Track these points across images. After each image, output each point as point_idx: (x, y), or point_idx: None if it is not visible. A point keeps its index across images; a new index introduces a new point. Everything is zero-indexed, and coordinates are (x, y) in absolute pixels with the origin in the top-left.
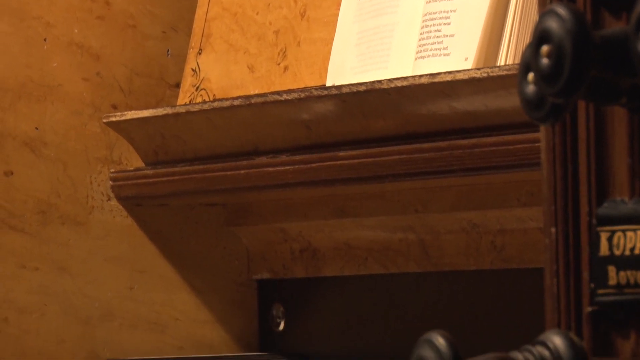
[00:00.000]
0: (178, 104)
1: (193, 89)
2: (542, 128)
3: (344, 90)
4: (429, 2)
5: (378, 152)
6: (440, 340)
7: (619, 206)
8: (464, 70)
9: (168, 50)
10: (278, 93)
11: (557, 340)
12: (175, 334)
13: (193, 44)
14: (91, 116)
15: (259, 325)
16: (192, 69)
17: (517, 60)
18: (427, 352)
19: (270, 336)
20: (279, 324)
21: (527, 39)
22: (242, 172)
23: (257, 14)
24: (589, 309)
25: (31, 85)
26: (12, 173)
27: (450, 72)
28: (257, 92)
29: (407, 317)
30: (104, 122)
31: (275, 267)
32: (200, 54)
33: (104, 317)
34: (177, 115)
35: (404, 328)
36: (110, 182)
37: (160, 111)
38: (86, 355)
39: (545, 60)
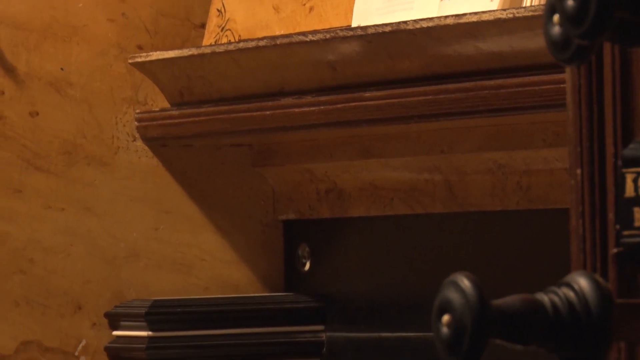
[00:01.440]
0: (203, 44)
1: (218, 30)
2: (568, 69)
3: (370, 31)
4: None
5: (403, 92)
6: (465, 282)
7: None
8: (489, 11)
9: None
10: (303, 34)
11: (582, 282)
12: (200, 274)
13: None
14: (117, 57)
15: (285, 266)
16: (218, 10)
17: (543, 1)
18: (452, 293)
19: (295, 276)
20: (304, 265)
21: None
22: (268, 112)
23: None
24: (615, 250)
25: (56, 26)
26: (37, 114)
27: (475, 13)
28: (282, 32)
29: (433, 258)
30: (130, 63)
31: (301, 207)
32: None
33: (130, 257)
34: (202, 56)
35: (429, 269)
36: (136, 122)
37: (185, 52)
38: (111, 295)
39: (570, 2)
